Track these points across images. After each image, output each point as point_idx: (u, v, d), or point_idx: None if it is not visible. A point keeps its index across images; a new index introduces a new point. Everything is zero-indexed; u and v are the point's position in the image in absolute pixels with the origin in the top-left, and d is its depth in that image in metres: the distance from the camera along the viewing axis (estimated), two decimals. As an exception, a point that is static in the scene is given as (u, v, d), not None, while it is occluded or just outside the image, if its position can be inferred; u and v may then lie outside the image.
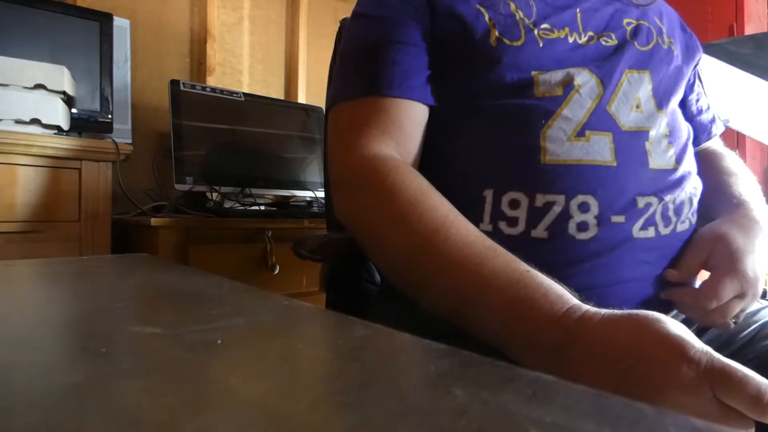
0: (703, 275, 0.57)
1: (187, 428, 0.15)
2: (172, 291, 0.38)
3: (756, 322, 0.58)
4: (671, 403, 0.33)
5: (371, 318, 0.67)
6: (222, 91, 1.46)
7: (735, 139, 1.93)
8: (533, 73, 0.56)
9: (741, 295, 0.53)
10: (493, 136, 0.56)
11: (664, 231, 0.56)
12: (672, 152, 0.57)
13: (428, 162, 0.60)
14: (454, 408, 0.17)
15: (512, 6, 0.59)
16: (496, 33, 0.57)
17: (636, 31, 0.62)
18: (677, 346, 0.34)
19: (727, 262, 0.54)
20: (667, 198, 0.55)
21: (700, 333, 0.60)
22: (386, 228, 0.50)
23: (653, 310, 0.56)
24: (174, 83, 1.35)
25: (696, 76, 0.74)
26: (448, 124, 0.59)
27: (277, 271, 1.25)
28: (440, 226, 0.46)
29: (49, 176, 1.06)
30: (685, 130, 0.63)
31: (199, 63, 1.71)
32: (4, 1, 1.14)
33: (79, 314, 0.30)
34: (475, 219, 0.54)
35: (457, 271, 0.44)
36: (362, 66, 0.59)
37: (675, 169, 0.57)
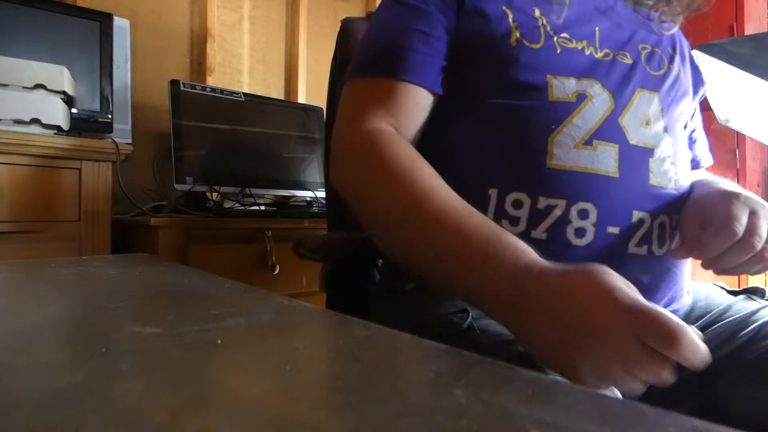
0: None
1: (187, 428, 0.15)
2: (172, 291, 0.38)
3: (755, 321, 0.58)
4: (600, 345, 0.36)
5: (372, 318, 0.67)
6: (222, 91, 1.45)
7: (735, 139, 1.93)
8: (548, 76, 0.57)
9: (754, 212, 0.53)
10: (501, 135, 0.57)
11: (658, 251, 0.56)
12: (672, 174, 0.58)
13: (435, 153, 0.60)
14: (454, 408, 0.17)
15: (537, 12, 0.60)
16: (518, 34, 0.58)
17: (649, 57, 0.63)
18: (608, 291, 0.37)
19: (718, 199, 0.55)
20: (661, 218, 0.56)
21: (700, 331, 0.60)
22: (377, 191, 0.52)
23: None
24: (174, 83, 1.35)
25: (696, 109, 0.76)
26: (460, 119, 0.60)
27: (277, 271, 1.25)
28: (429, 191, 0.49)
29: (49, 176, 1.06)
30: (687, 156, 0.64)
31: (199, 63, 1.71)
32: (4, 1, 1.14)
33: (79, 314, 0.30)
34: None
35: (438, 229, 0.46)
36: (383, 47, 0.61)
37: (674, 190, 0.58)
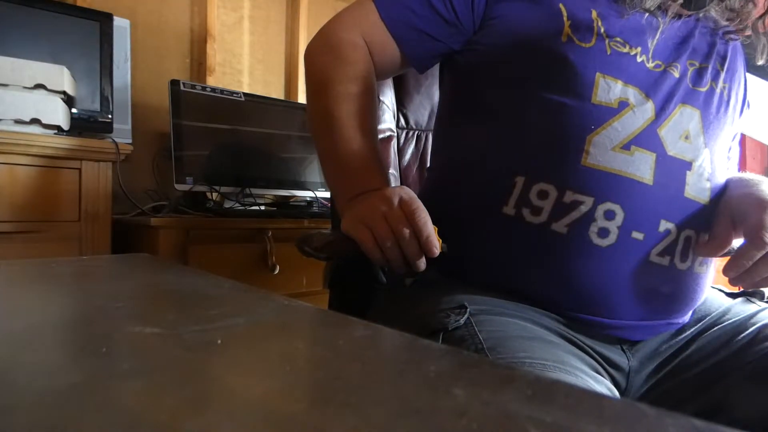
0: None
1: (187, 428, 0.15)
2: (172, 291, 0.38)
3: (755, 324, 0.58)
4: (364, 210, 0.57)
5: (373, 314, 0.68)
6: (222, 91, 1.45)
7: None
8: (597, 74, 0.56)
9: None
10: (539, 127, 0.57)
11: (680, 265, 0.56)
12: (708, 189, 0.58)
13: (467, 128, 0.64)
14: (454, 408, 0.17)
15: (594, 13, 0.60)
16: (569, 31, 0.59)
17: (696, 73, 0.62)
18: (386, 192, 0.57)
19: (753, 204, 0.55)
20: (688, 231, 0.55)
21: (699, 334, 0.60)
22: (326, 89, 0.65)
23: (647, 334, 0.58)
24: (174, 83, 1.35)
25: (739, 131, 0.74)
26: (498, 103, 0.61)
27: (277, 271, 1.25)
28: (348, 103, 0.64)
29: (49, 176, 1.06)
30: (725, 173, 0.63)
31: (199, 63, 1.71)
32: (5, 1, 1.13)
33: (79, 314, 0.30)
34: (499, 200, 0.56)
35: (336, 135, 0.63)
36: None
37: (706, 206, 0.57)
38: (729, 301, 0.65)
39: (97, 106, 1.25)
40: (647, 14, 0.60)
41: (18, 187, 1.02)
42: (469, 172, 0.61)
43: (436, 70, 0.79)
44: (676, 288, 0.56)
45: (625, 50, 0.59)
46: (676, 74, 0.60)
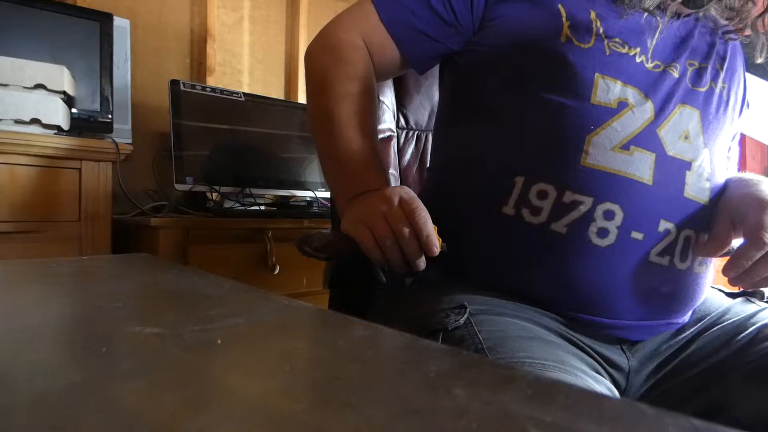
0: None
1: (187, 428, 0.15)
2: (172, 291, 0.38)
3: (754, 324, 0.58)
4: (363, 210, 0.58)
5: (373, 314, 0.68)
6: (222, 91, 1.45)
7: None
8: (596, 74, 0.56)
9: None
10: (539, 127, 0.57)
11: (680, 264, 0.56)
12: (708, 189, 0.58)
13: (467, 127, 0.64)
14: (454, 408, 0.17)
15: (593, 14, 0.60)
16: (568, 32, 0.58)
17: (695, 73, 0.62)
18: (386, 193, 0.57)
19: (752, 205, 0.55)
20: (687, 231, 0.55)
21: (699, 334, 0.60)
22: (325, 90, 0.66)
23: (647, 334, 0.58)
24: (174, 83, 1.35)
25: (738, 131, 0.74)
26: (498, 104, 0.61)
27: (277, 271, 1.25)
28: (346, 103, 0.64)
29: (49, 176, 1.06)
30: (724, 174, 0.63)
31: (199, 63, 1.71)
32: (4, 1, 1.14)
33: (79, 314, 0.30)
34: (499, 200, 0.56)
35: (336, 137, 0.63)
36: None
37: (706, 206, 0.57)
38: (729, 301, 0.65)
39: (97, 106, 1.25)
40: (646, 14, 0.60)
41: (18, 187, 1.02)
42: (468, 172, 0.61)
43: (436, 70, 0.79)
44: (675, 288, 0.56)
45: (624, 50, 0.59)
46: (676, 74, 0.60)
